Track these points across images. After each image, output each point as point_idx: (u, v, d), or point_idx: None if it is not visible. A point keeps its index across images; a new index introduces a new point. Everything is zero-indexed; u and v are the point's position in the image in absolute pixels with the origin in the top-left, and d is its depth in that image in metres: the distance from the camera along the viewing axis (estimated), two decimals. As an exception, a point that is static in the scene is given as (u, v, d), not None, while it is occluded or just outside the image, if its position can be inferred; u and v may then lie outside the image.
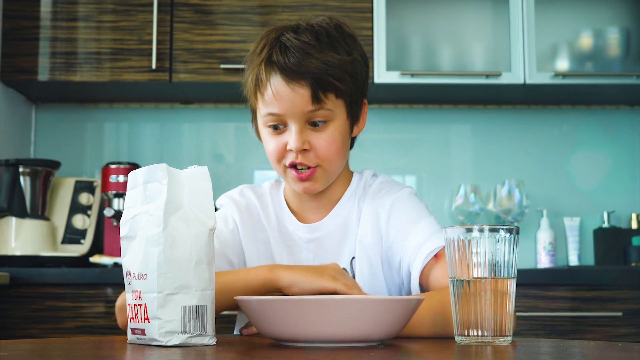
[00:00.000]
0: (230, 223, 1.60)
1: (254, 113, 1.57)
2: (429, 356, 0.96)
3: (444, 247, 1.24)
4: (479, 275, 1.12)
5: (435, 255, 1.46)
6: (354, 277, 1.54)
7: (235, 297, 1.11)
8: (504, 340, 1.11)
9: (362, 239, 1.57)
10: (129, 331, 1.13)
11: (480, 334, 1.11)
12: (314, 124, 1.48)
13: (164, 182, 1.11)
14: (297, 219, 1.61)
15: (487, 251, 1.12)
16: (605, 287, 2.74)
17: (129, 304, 1.11)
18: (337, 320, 1.01)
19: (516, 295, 1.13)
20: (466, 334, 1.12)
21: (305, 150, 1.47)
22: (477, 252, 1.12)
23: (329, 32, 1.49)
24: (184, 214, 1.11)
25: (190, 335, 1.08)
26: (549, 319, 2.71)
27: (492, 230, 1.12)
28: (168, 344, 1.06)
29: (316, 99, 1.45)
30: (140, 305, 1.09)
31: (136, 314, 1.10)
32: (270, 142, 1.50)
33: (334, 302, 1.02)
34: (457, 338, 1.14)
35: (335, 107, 1.49)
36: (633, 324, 2.71)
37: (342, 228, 1.59)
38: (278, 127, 1.48)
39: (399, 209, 1.57)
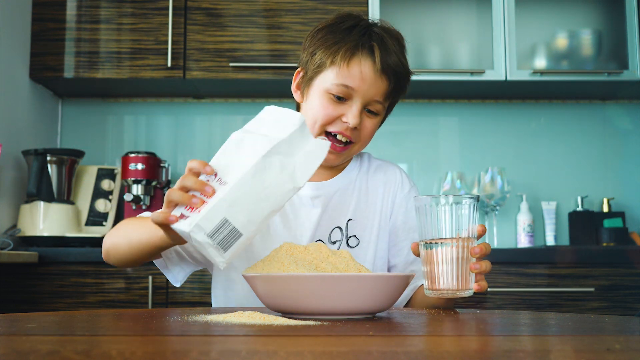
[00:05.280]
0: None
1: (312, 73, 1.53)
2: (417, 326, 0.96)
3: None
4: (446, 236, 1.15)
5: None
6: (347, 237, 1.57)
7: (243, 274, 1.11)
8: (467, 292, 1.15)
9: (364, 206, 1.61)
10: (175, 211, 1.12)
11: (447, 287, 1.16)
12: (368, 111, 1.52)
13: (294, 127, 1.11)
14: None
15: (452, 216, 1.15)
16: (579, 265, 2.74)
17: (194, 195, 1.11)
18: (336, 295, 1.01)
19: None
20: (435, 287, 1.16)
21: (355, 128, 1.50)
22: (444, 218, 1.16)
23: (400, 41, 1.54)
24: (286, 162, 1.10)
25: (211, 243, 1.06)
26: (528, 294, 2.71)
27: (456, 199, 1.16)
28: (192, 234, 1.06)
29: (388, 95, 1.51)
30: (204, 201, 1.08)
31: (194, 205, 1.09)
32: (325, 108, 1.50)
33: (333, 279, 1.02)
34: (427, 292, 1.17)
35: (386, 106, 1.55)
36: (604, 298, 2.71)
37: (343, 191, 1.61)
38: (341, 98, 1.49)
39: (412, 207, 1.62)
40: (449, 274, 1.16)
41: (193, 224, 1.06)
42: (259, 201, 1.08)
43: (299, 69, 1.60)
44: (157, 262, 1.52)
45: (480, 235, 1.20)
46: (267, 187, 1.08)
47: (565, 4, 3.43)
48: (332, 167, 1.62)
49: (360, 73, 1.46)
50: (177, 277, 1.54)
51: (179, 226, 1.09)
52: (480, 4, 3.29)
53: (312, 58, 1.52)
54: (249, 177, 1.07)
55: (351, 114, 1.48)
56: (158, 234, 1.26)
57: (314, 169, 1.13)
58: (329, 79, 1.49)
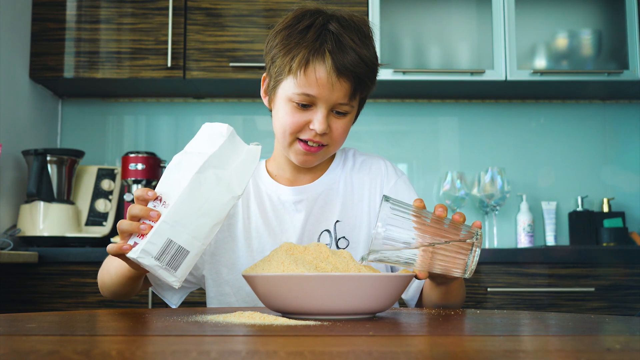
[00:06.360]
0: None
1: (274, 81, 1.49)
2: (417, 326, 0.96)
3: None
4: (411, 242, 1.12)
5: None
6: (336, 240, 1.55)
7: (243, 274, 1.11)
8: (478, 238, 1.12)
9: (350, 206, 1.58)
10: (130, 240, 1.15)
11: (461, 261, 1.13)
12: (337, 112, 1.47)
13: (222, 139, 1.15)
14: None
15: (399, 230, 1.12)
16: (579, 265, 2.73)
17: (143, 222, 1.13)
18: (336, 295, 1.01)
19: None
20: (461, 269, 1.13)
21: (324, 132, 1.46)
22: (395, 243, 1.12)
23: (364, 30, 1.46)
24: (221, 175, 1.13)
25: (159, 265, 1.10)
26: (528, 294, 2.71)
27: (377, 227, 1.11)
28: (139, 259, 1.09)
29: (352, 95, 1.45)
30: (152, 226, 1.11)
31: (143, 231, 1.12)
32: (291, 116, 1.45)
33: (333, 279, 1.01)
34: (466, 276, 1.14)
35: (355, 104, 1.49)
36: (604, 298, 2.71)
37: (327, 193, 1.59)
38: (306, 105, 1.44)
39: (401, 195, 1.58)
40: (449, 253, 1.13)
41: (139, 250, 1.10)
42: (200, 217, 1.11)
43: (264, 75, 1.56)
44: (152, 288, 1.53)
45: (423, 206, 1.17)
46: (205, 201, 1.12)
47: (565, 4, 3.43)
48: (313, 169, 1.60)
49: (316, 81, 1.40)
50: (171, 300, 1.56)
51: (130, 255, 1.12)
52: (480, 4, 3.29)
53: (273, 65, 1.48)
54: (186, 196, 1.11)
55: (317, 121, 1.43)
56: (125, 265, 1.29)
57: (249, 176, 1.16)
58: (289, 87, 1.44)
